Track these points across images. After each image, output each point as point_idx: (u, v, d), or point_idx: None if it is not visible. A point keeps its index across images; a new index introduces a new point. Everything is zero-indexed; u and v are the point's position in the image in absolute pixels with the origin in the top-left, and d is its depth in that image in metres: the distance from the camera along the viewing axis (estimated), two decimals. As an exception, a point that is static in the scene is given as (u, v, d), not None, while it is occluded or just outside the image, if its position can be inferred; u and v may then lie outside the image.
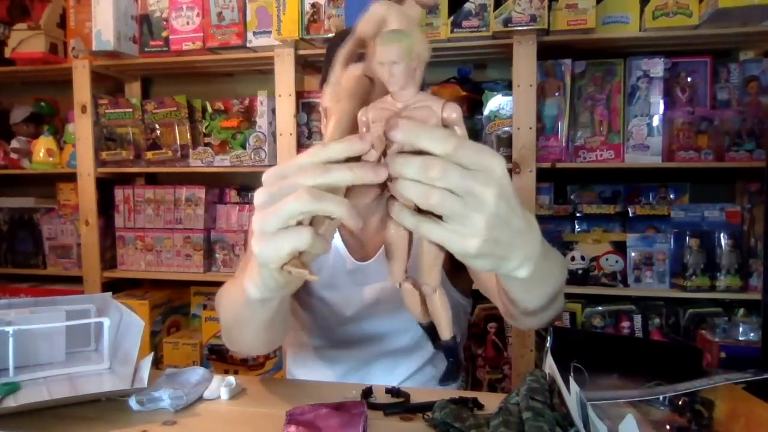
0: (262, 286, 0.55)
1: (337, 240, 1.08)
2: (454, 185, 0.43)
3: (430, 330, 0.55)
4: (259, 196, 0.48)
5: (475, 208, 0.44)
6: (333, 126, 0.54)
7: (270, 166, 1.83)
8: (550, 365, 0.67)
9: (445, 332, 0.54)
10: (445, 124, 0.47)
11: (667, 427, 0.65)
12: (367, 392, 0.79)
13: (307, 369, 1.06)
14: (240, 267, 1.00)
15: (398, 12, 0.51)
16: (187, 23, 1.88)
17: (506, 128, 1.73)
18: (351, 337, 1.01)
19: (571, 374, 0.65)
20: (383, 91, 0.50)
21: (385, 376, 1.00)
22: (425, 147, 0.44)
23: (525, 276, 0.51)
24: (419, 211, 0.46)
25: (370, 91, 0.56)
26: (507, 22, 1.61)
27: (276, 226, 0.47)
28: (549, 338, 0.70)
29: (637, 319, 1.73)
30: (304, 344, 1.10)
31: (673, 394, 0.66)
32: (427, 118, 0.46)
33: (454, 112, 0.46)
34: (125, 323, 0.90)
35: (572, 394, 0.60)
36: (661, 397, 0.67)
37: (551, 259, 0.62)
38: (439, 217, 0.45)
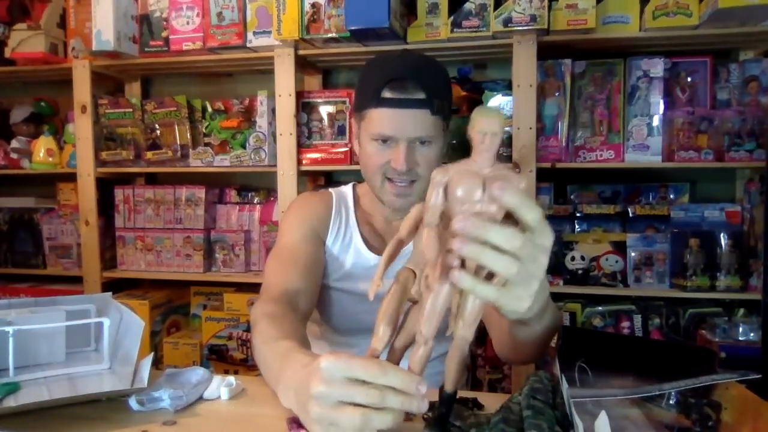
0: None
1: (356, 238, 1.10)
2: (526, 255, 0.51)
3: (450, 401, 0.59)
4: (318, 387, 0.53)
5: (534, 275, 0.52)
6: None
7: (270, 166, 1.85)
8: (556, 365, 0.67)
9: (451, 385, 0.59)
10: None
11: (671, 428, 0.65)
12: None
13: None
14: (271, 267, 1.02)
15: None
16: (187, 23, 1.88)
17: (506, 128, 1.73)
18: (366, 325, 1.04)
19: (576, 374, 0.65)
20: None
21: None
22: (523, 217, 0.51)
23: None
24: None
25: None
26: (507, 22, 1.61)
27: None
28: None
29: (637, 319, 1.73)
30: (313, 333, 1.13)
31: (660, 392, 0.66)
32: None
33: (523, 184, 0.54)
34: (125, 323, 0.90)
35: (564, 392, 0.60)
36: (671, 399, 0.67)
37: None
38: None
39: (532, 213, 0.51)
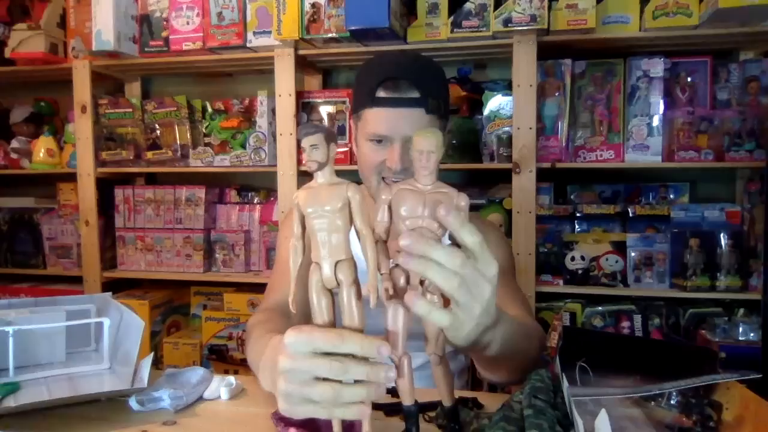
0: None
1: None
2: (468, 275, 0.53)
3: (453, 413, 0.62)
4: (284, 362, 0.53)
5: (476, 299, 0.54)
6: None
7: (270, 166, 1.85)
8: (557, 364, 0.67)
9: (447, 399, 0.61)
10: (456, 209, 0.56)
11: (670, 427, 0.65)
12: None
13: None
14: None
15: None
16: (187, 23, 1.88)
17: (506, 128, 1.72)
18: (367, 329, 1.04)
19: (577, 373, 0.65)
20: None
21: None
22: (462, 240, 0.53)
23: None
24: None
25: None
26: (507, 22, 1.61)
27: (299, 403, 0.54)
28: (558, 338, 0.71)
29: (637, 319, 1.73)
30: None
31: (659, 391, 0.66)
32: (444, 201, 0.55)
33: (463, 201, 0.56)
34: (125, 323, 0.90)
35: (564, 391, 0.60)
36: (672, 399, 0.67)
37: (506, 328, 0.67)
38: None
39: (470, 237, 0.53)
